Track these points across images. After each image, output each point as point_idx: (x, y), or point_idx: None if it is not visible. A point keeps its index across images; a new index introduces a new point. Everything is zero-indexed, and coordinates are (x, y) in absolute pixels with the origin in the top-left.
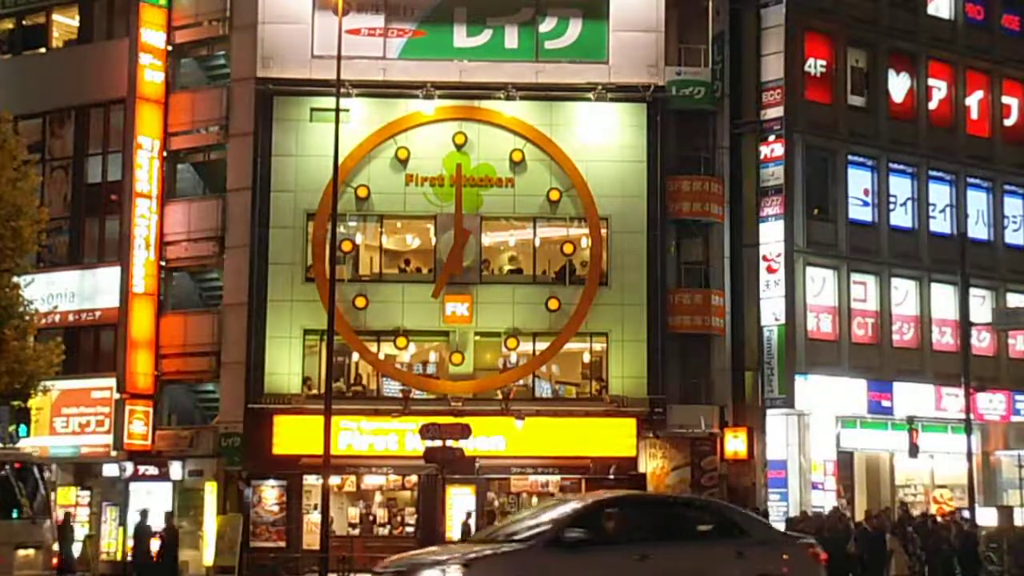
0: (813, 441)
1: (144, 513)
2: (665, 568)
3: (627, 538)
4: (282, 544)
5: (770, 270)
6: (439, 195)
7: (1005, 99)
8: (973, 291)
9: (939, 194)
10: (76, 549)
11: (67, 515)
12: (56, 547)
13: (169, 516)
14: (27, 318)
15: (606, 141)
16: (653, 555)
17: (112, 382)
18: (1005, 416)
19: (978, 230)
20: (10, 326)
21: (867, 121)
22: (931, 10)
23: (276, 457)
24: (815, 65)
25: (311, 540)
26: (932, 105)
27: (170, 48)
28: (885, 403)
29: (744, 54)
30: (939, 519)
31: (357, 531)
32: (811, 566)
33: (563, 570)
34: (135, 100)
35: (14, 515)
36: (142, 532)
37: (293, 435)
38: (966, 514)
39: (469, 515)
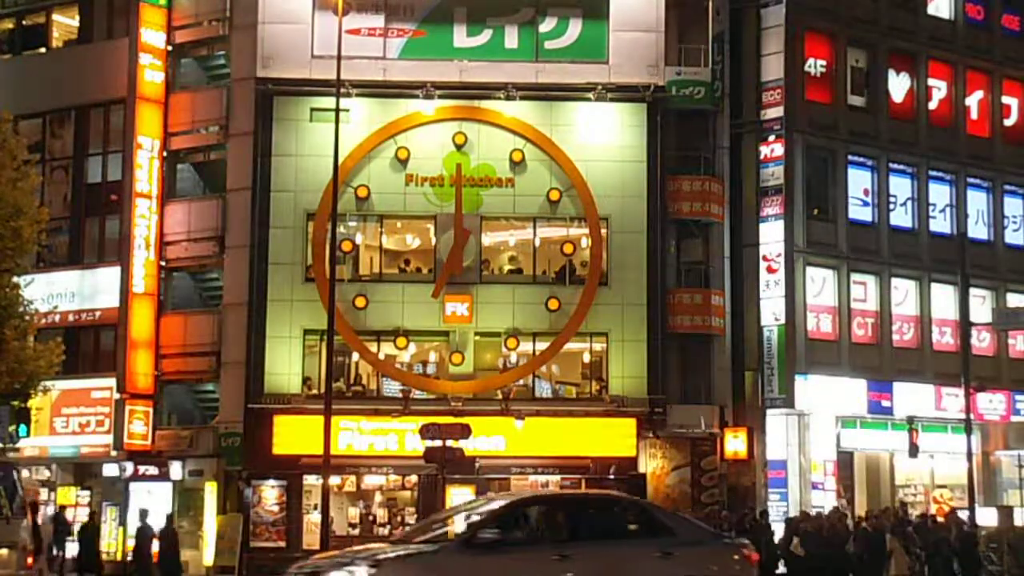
0: (813, 441)
1: (144, 513)
2: (585, 568)
3: (547, 538)
4: (282, 544)
5: (770, 270)
6: (439, 195)
7: (1005, 99)
8: (973, 291)
9: (939, 194)
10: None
11: (92, 514)
12: (32, 546)
13: (169, 517)
14: (27, 318)
15: (606, 141)
16: (574, 555)
17: (112, 382)
18: (1005, 416)
19: (978, 230)
20: (10, 326)
21: (867, 121)
22: (931, 10)
23: (276, 457)
24: (815, 65)
25: (311, 540)
26: (932, 105)
27: (170, 48)
28: (885, 403)
29: (744, 54)
30: (939, 519)
31: (357, 531)
32: (741, 567)
33: (475, 571)
34: (135, 100)
35: None
36: (142, 534)
37: (293, 435)
38: (962, 514)
39: None
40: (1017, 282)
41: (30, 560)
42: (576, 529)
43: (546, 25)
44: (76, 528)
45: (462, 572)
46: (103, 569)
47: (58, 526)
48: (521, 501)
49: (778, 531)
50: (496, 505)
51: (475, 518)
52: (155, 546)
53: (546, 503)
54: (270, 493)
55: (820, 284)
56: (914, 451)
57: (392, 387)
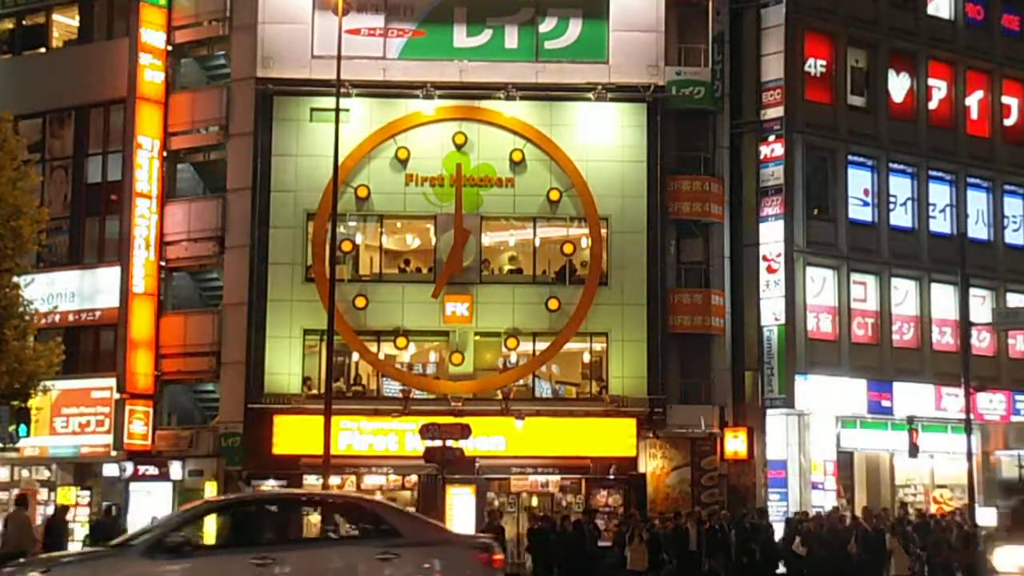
0: (813, 441)
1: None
2: (290, 573)
3: (251, 541)
4: None
5: (770, 270)
6: (439, 195)
7: (1005, 99)
8: (973, 291)
9: (939, 194)
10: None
11: (154, 519)
12: None
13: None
14: (27, 318)
15: (606, 141)
16: (279, 559)
17: (112, 382)
18: (1005, 416)
19: (978, 230)
20: (10, 326)
21: (867, 121)
22: (931, 10)
23: (276, 457)
24: (815, 65)
25: None
26: (932, 105)
27: (170, 48)
28: (885, 403)
29: (744, 54)
30: (940, 519)
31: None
32: (475, 569)
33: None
34: (135, 100)
35: None
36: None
37: (293, 435)
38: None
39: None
40: (1017, 282)
41: None
42: (286, 531)
43: (546, 25)
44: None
45: None
46: None
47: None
48: (218, 503)
49: (778, 531)
50: (192, 507)
51: (164, 521)
52: None
53: (253, 504)
54: None
55: (820, 284)
56: (914, 451)
57: (392, 387)
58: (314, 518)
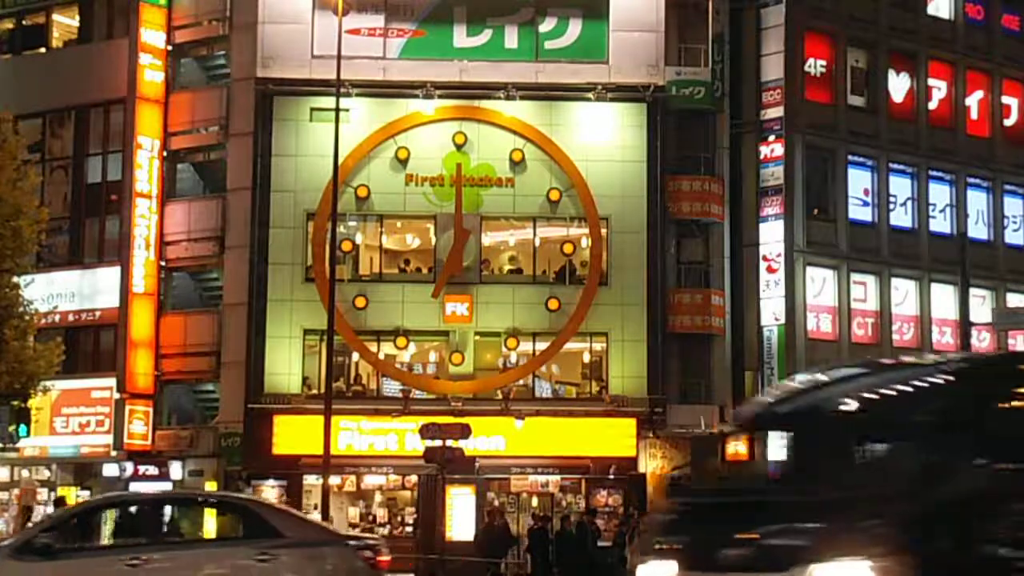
0: None
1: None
2: (165, 574)
3: (124, 542)
4: None
5: (770, 270)
6: (439, 195)
7: (1005, 99)
8: (973, 291)
9: (939, 194)
10: None
11: None
12: None
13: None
14: (27, 318)
15: (606, 141)
16: (153, 560)
17: (112, 382)
18: None
19: (978, 230)
20: (10, 326)
21: (867, 121)
22: (931, 10)
23: (276, 457)
24: (815, 65)
25: None
26: (932, 105)
27: (170, 48)
28: None
29: (744, 54)
30: None
31: (357, 531)
32: (359, 570)
33: None
34: (135, 100)
35: None
36: None
37: (293, 435)
38: None
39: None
40: (1017, 282)
41: None
42: (162, 532)
43: (546, 25)
44: None
45: None
46: None
47: None
48: (97, 503)
49: None
50: (69, 507)
51: (37, 522)
52: None
53: (128, 504)
54: (270, 493)
55: (820, 284)
56: None
57: (392, 387)
58: (193, 518)
